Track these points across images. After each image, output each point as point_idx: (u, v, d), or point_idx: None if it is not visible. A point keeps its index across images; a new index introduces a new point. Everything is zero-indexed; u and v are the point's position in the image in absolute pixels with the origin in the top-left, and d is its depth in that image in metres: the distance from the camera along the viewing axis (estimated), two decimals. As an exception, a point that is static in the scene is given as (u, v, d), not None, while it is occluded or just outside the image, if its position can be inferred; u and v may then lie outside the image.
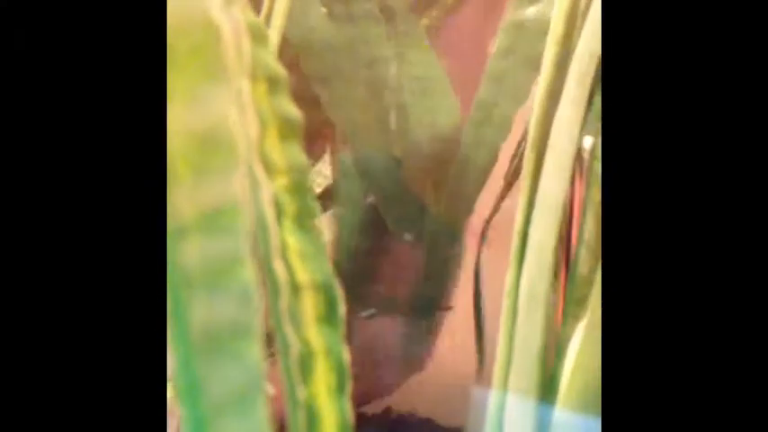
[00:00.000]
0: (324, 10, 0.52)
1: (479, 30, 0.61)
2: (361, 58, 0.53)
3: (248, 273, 0.24)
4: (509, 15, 0.53)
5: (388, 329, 0.64)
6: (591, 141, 0.37)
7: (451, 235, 0.59)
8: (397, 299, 0.62)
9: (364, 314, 0.61)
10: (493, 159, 0.56)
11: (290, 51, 0.36)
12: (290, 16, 0.37)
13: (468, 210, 0.58)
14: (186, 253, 0.24)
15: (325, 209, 0.59)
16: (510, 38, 0.53)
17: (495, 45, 0.54)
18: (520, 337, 0.37)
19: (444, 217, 0.58)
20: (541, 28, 0.49)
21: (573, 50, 0.40)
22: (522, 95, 0.53)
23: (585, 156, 0.37)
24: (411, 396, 0.73)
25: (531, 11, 0.52)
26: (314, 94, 0.52)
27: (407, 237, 0.59)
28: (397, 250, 0.61)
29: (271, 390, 0.25)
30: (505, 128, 0.55)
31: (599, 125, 0.37)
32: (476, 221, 0.59)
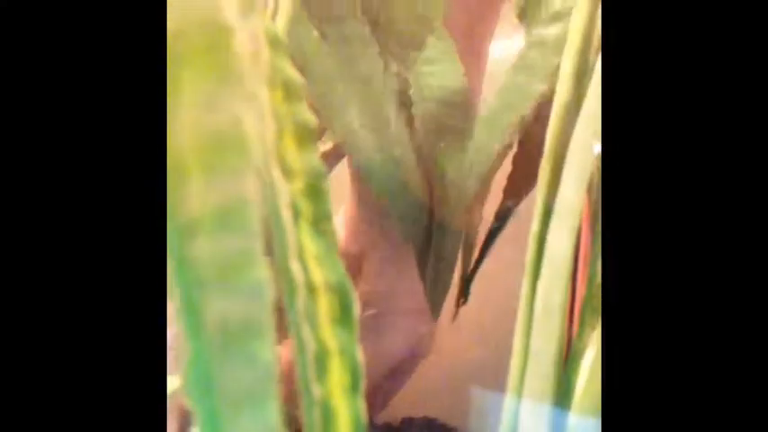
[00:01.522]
0: (316, 33, 0.53)
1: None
2: (358, 74, 0.54)
3: (261, 270, 0.24)
4: (531, 33, 0.53)
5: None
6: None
7: (454, 237, 0.59)
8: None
9: (365, 314, 0.62)
10: (496, 166, 0.57)
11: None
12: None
13: (473, 214, 0.58)
14: (199, 251, 0.24)
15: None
16: (531, 54, 0.54)
17: (515, 59, 0.55)
18: (535, 344, 0.37)
19: (447, 219, 0.59)
20: (562, 46, 0.50)
21: (590, 65, 0.40)
22: (528, 105, 0.54)
23: (596, 163, 0.38)
24: (413, 396, 0.73)
25: (552, 29, 0.53)
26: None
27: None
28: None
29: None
30: (511, 137, 0.56)
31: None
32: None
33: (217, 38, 0.23)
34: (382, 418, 0.70)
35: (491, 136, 0.55)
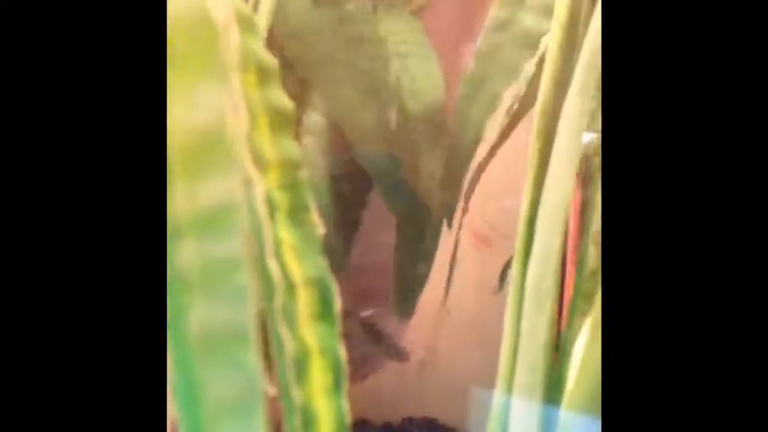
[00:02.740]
0: None
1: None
2: (347, 39, 0.52)
3: (245, 276, 0.24)
4: None
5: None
6: (591, 136, 0.36)
7: (432, 216, 0.58)
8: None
9: (364, 314, 0.61)
10: (478, 136, 0.55)
11: (276, 39, 0.35)
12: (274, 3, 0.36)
13: (456, 188, 0.57)
14: (183, 255, 0.23)
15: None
16: (506, 13, 0.52)
17: (488, 19, 0.53)
18: (526, 330, 0.36)
19: (431, 199, 0.57)
20: (540, 5, 0.48)
21: (578, 39, 0.39)
22: (513, 73, 0.52)
23: (586, 151, 0.37)
24: (413, 396, 0.73)
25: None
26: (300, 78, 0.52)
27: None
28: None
29: (272, 391, 0.25)
30: (493, 105, 0.54)
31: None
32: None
33: (202, 35, 0.21)
34: (382, 417, 0.70)
35: (475, 110, 0.54)
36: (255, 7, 0.40)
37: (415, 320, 0.62)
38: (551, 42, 0.39)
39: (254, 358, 0.24)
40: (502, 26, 0.53)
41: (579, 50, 0.38)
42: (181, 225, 0.23)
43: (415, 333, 0.69)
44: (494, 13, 0.53)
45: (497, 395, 0.37)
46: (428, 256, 0.59)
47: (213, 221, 0.23)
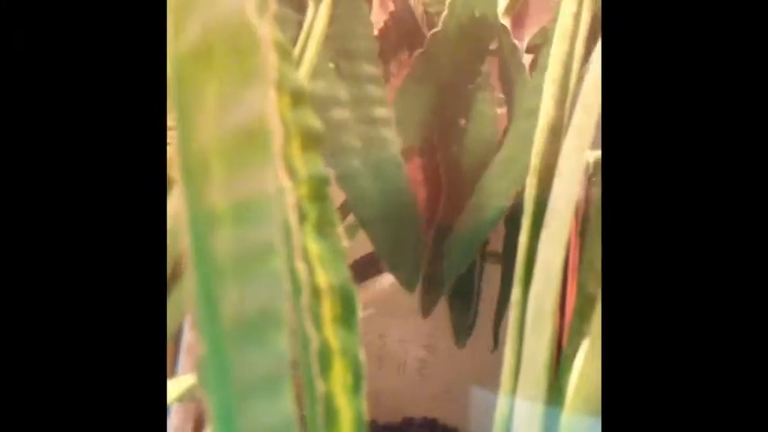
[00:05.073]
0: (332, 65, 0.55)
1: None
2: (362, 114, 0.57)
3: (278, 262, 0.25)
4: (535, 78, 0.55)
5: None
6: (594, 156, 0.39)
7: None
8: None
9: (362, 314, 0.63)
10: (504, 208, 0.58)
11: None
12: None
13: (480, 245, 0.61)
14: (219, 242, 0.25)
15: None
16: (535, 100, 0.55)
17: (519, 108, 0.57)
18: (527, 350, 0.38)
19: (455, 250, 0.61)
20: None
21: (572, 87, 0.42)
22: None
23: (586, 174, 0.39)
24: (413, 396, 0.73)
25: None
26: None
27: None
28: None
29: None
30: (521, 178, 0.58)
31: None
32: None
33: (240, 40, 0.24)
34: (383, 417, 0.70)
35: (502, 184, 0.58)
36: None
37: (415, 320, 0.65)
38: (545, 91, 0.42)
39: (284, 340, 0.25)
40: (530, 113, 0.57)
41: (576, 94, 0.41)
42: (218, 214, 0.25)
43: (416, 333, 0.70)
44: (524, 103, 0.58)
45: (500, 406, 0.39)
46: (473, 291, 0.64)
47: (249, 210, 0.25)
